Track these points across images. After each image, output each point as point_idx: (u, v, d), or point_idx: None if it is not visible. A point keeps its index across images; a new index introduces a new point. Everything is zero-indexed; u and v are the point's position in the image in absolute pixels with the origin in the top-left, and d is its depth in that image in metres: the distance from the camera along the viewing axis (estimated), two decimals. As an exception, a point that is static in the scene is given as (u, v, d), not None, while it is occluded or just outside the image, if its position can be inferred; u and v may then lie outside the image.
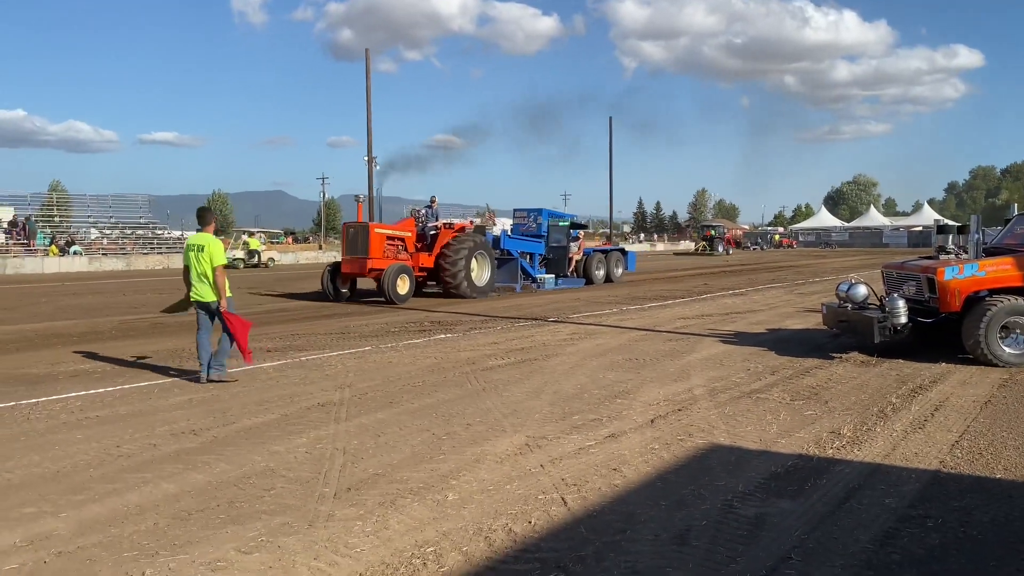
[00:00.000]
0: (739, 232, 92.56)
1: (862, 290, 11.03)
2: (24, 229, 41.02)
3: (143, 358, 10.65)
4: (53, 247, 40.29)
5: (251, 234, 48.47)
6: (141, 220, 50.93)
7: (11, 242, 40.54)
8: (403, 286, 19.19)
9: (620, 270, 28.23)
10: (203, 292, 9.03)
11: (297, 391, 8.49)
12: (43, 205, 49.54)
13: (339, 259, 21.10)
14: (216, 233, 9.33)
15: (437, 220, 22.25)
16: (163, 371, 9.77)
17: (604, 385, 8.70)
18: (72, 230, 46.13)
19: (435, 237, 21.42)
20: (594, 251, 27.87)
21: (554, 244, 25.69)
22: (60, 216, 48.50)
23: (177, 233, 54.79)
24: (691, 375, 9.29)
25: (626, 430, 6.77)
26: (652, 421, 7.07)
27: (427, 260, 21.09)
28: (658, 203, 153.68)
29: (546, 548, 4.28)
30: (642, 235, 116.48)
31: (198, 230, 9.35)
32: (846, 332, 11.28)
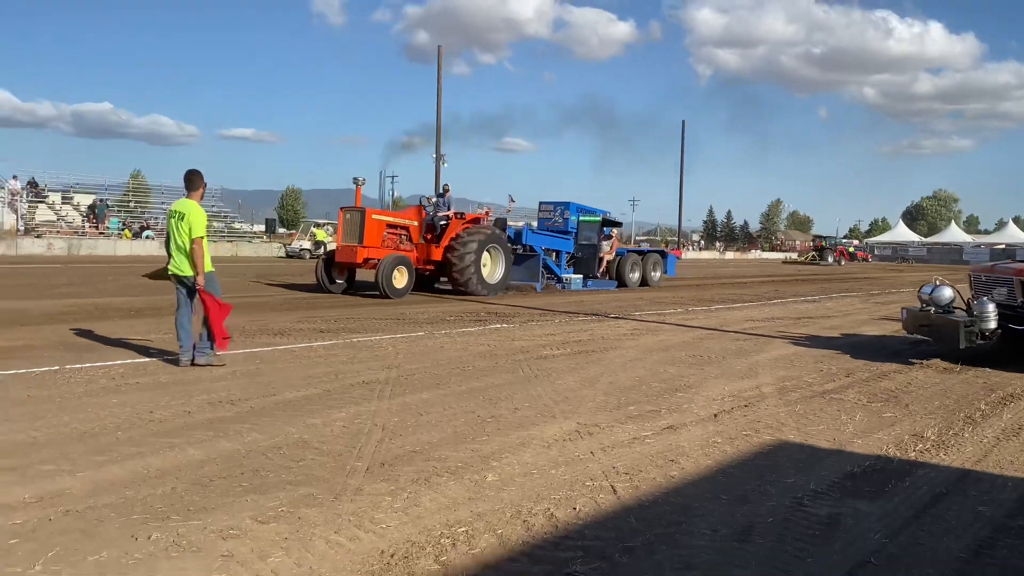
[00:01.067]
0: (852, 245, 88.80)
1: (947, 292, 10.28)
2: (94, 212, 42.25)
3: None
4: (127, 231, 41.32)
5: (319, 225, 48.93)
6: (213, 208, 51.90)
7: (88, 226, 41.82)
8: (400, 279, 17.19)
9: (658, 274, 25.90)
10: (181, 265, 8.17)
11: (343, 369, 8.20)
12: (123, 192, 50.96)
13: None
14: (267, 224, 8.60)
15: (449, 210, 19.91)
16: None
17: (664, 379, 8.20)
18: (147, 216, 47.30)
19: (445, 228, 19.32)
20: (629, 251, 25.62)
21: (584, 242, 23.45)
22: (136, 202, 49.79)
23: (248, 226, 55.66)
24: (759, 373, 8.72)
25: (686, 423, 6.28)
26: (715, 416, 6.57)
27: (435, 252, 18.93)
28: (729, 212, 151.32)
29: (590, 536, 3.85)
30: (704, 243, 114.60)
31: (185, 196, 8.36)
32: (928, 337, 10.55)
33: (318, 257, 41.81)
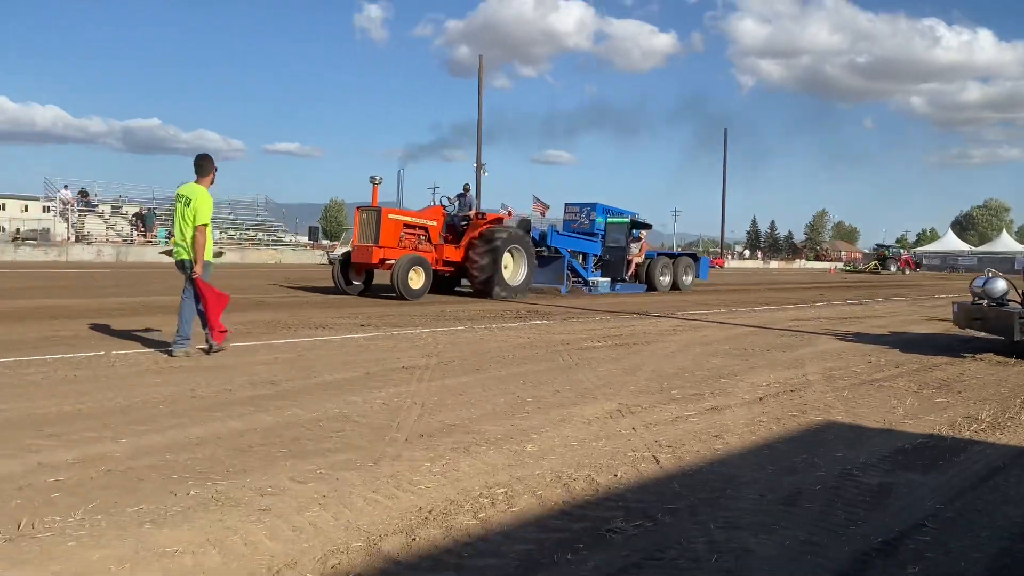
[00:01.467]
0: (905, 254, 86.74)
1: (1001, 284, 10.00)
2: (142, 221, 43.12)
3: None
4: (173, 240, 42.16)
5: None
6: (258, 218, 52.65)
7: (136, 234, 42.62)
8: (417, 279, 16.45)
9: (690, 278, 24.94)
10: (181, 249, 7.99)
11: (384, 356, 8.19)
12: (170, 203, 51.96)
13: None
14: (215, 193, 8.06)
15: (470, 210, 19.22)
16: (255, 336, 9.69)
17: (708, 368, 8.05)
18: None
19: (466, 228, 18.62)
20: (659, 254, 24.65)
21: (612, 244, 22.62)
22: None
23: (292, 236, 56.38)
24: (805, 364, 8.53)
25: (731, 404, 6.15)
26: (760, 399, 6.42)
27: (454, 253, 18.18)
28: (772, 222, 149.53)
29: (632, 499, 3.76)
30: (751, 252, 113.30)
31: (195, 181, 8.09)
32: (981, 331, 10.26)
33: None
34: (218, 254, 9.26)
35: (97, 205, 45.62)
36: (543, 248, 20.49)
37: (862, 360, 8.98)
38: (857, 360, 8.98)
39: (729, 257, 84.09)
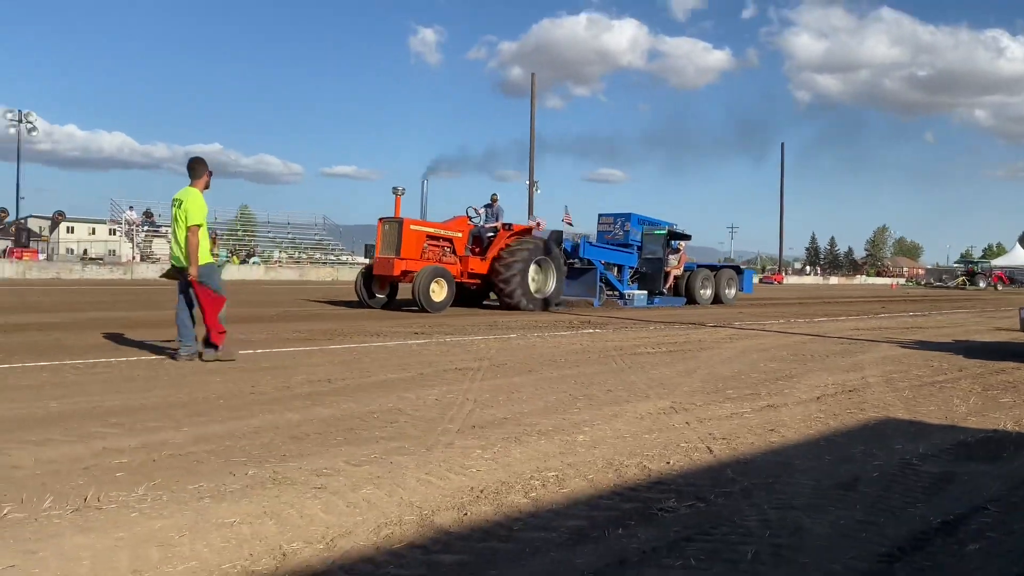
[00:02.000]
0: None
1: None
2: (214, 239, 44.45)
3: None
4: (235, 257, 43.08)
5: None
6: (316, 237, 53.61)
7: None
8: (439, 292, 15.87)
9: (733, 291, 24.02)
10: (179, 255, 7.83)
11: (436, 360, 8.27)
12: (232, 223, 53.41)
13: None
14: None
15: (497, 221, 18.53)
16: (313, 341, 9.81)
17: (764, 371, 7.96)
18: (253, 243, 49.25)
19: (492, 240, 18.03)
20: (699, 266, 23.55)
21: (648, 256, 21.92)
22: (243, 232, 51.95)
23: (350, 255, 57.24)
24: (865, 368, 8.37)
25: (787, 403, 6.07)
26: (818, 398, 6.33)
27: (480, 265, 17.57)
28: (832, 239, 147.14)
29: (683, 484, 3.75)
30: (811, 269, 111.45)
31: (189, 184, 7.94)
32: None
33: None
34: (222, 261, 9.23)
35: (161, 226, 46.97)
36: (575, 260, 20.01)
37: (924, 364, 8.79)
38: (919, 364, 8.78)
39: (787, 273, 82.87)
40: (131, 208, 43.81)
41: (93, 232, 73.93)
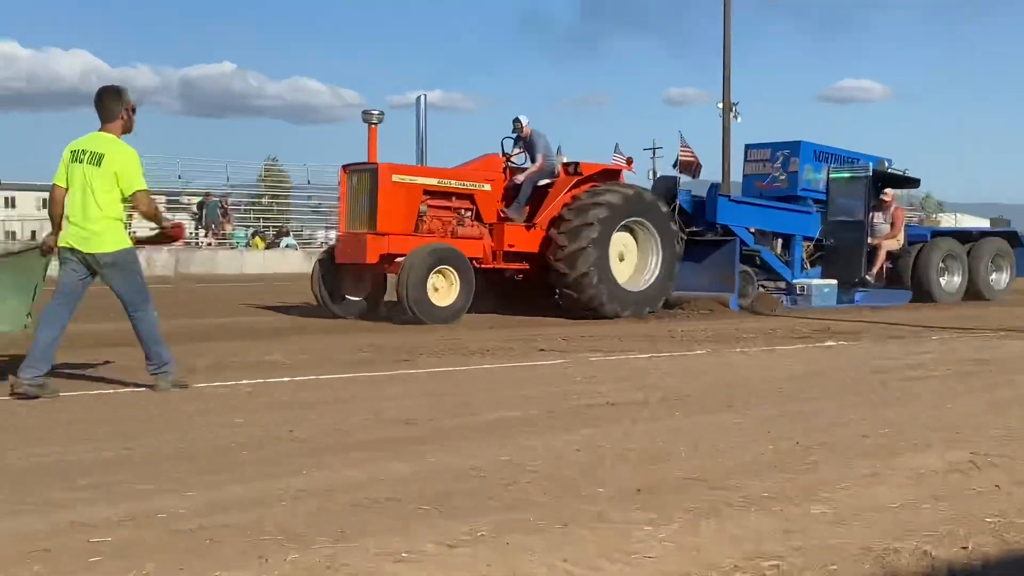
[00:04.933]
0: None
1: None
2: (202, 215, 39.93)
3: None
4: (257, 239, 39.55)
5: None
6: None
7: (201, 231, 40.26)
8: (444, 289, 13.27)
9: (1004, 275, 19.66)
10: (88, 237, 7.08)
11: (576, 389, 8.10)
12: (253, 186, 50.81)
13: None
14: None
15: (537, 160, 14.72)
16: (379, 365, 9.94)
17: None
18: (285, 218, 45.67)
19: (548, 192, 14.35)
20: (934, 233, 19.55)
21: (840, 217, 17.75)
22: (270, 199, 49.40)
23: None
24: None
25: None
26: None
27: (525, 237, 14.23)
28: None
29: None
30: None
31: (99, 129, 7.27)
32: None
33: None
34: (140, 240, 8.89)
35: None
36: (700, 227, 16.47)
37: None
38: None
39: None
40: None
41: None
